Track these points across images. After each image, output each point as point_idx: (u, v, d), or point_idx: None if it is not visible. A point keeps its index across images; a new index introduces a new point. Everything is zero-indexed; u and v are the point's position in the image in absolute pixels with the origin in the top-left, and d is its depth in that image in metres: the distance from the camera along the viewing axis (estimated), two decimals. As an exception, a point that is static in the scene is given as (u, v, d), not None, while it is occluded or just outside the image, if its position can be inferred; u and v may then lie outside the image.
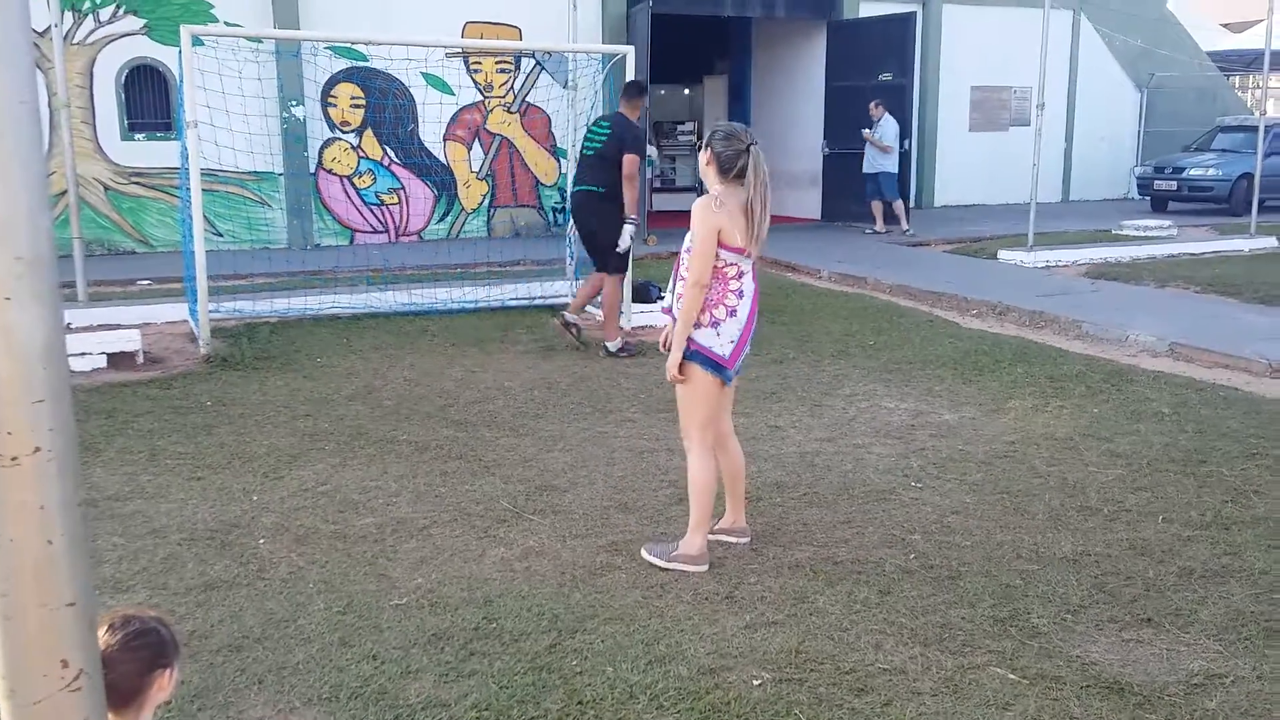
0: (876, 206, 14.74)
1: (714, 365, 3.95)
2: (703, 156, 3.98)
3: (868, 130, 14.48)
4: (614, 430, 5.83)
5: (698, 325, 3.93)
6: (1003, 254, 12.45)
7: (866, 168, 14.64)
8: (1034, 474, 5.06)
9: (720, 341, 3.95)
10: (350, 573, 3.98)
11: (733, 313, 3.95)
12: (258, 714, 3.03)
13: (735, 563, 4.08)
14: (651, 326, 8.69)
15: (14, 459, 1.29)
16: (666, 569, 3.98)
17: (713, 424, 4.06)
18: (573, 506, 4.67)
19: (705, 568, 3.99)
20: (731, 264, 3.93)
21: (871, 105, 14.55)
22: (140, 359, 7.37)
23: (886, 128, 14.42)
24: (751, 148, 3.88)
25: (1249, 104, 24.28)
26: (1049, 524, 4.45)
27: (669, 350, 4.03)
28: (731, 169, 3.88)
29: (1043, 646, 3.42)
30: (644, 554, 4.08)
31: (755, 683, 3.19)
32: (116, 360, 7.24)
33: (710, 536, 4.12)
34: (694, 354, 3.94)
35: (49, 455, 1.39)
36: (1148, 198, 18.53)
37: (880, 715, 3.02)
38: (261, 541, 4.26)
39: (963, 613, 3.65)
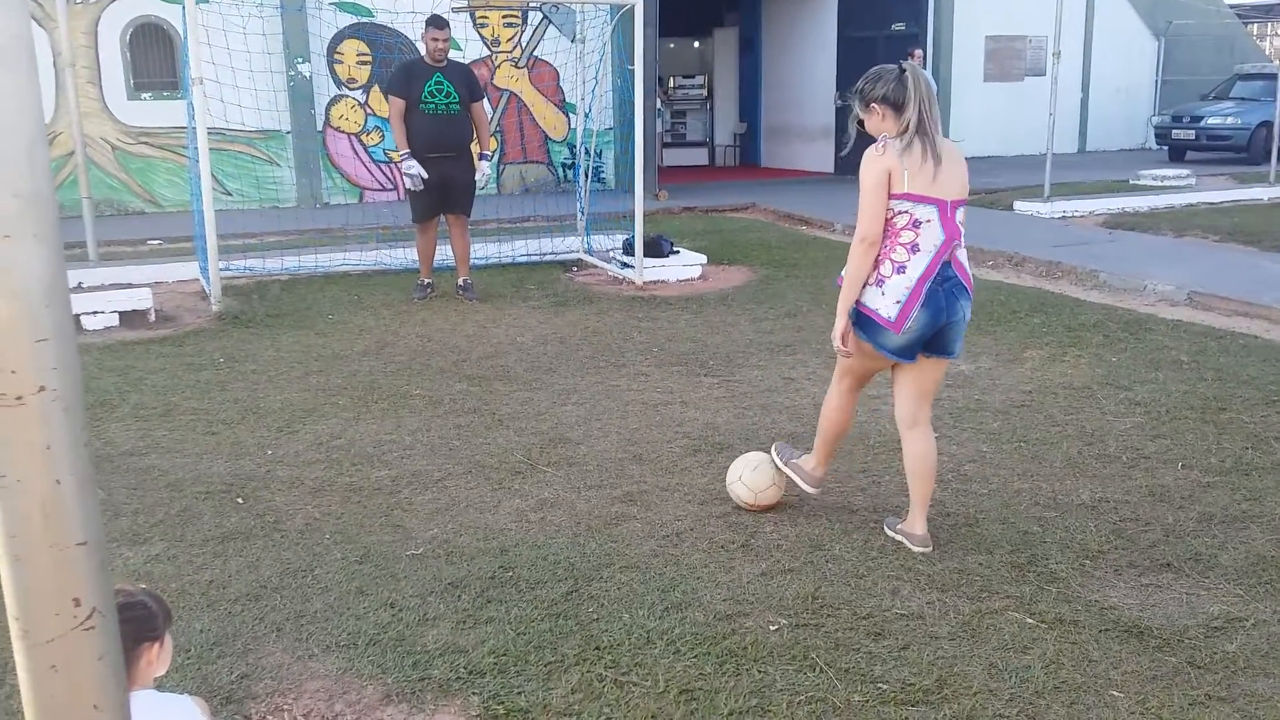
0: None
1: (874, 327, 3.50)
2: (872, 120, 3.49)
3: None
4: (627, 384, 5.81)
5: (864, 284, 3.51)
6: (1019, 205, 12.32)
7: None
8: (1051, 423, 5.03)
9: (885, 302, 3.47)
10: (366, 524, 3.98)
11: (900, 269, 3.44)
12: (276, 660, 3.04)
13: (750, 513, 4.06)
14: (663, 281, 8.65)
15: (18, 398, 1.27)
16: (781, 468, 3.98)
17: (853, 376, 3.75)
18: (587, 458, 4.66)
19: (816, 491, 3.99)
20: (903, 212, 3.43)
21: (914, 53, 14.01)
22: (152, 317, 7.37)
23: (925, 76, 13.94)
24: (904, 65, 3.46)
25: (1267, 52, 23.88)
26: (1067, 471, 4.42)
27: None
28: (903, 100, 3.40)
29: (1061, 591, 3.40)
30: (772, 454, 4.02)
31: (773, 628, 3.18)
32: (129, 318, 7.25)
33: (892, 532, 3.79)
34: (857, 314, 3.52)
35: (54, 394, 1.36)
36: (1165, 147, 18.30)
37: (897, 659, 3.01)
38: (277, 494, 4.27)
39: (980, 559, 3.64)
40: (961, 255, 3.52)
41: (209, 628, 3.21)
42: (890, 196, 3.41)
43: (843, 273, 3.60)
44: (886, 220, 3.44)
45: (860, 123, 3.55)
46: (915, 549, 3.67)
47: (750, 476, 4.02)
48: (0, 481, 1.26)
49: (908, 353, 3.54)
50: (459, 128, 7.62)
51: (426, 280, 8.03)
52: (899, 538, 3.74)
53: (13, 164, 1.33)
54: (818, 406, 5.31)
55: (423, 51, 7.58)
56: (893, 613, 3.28)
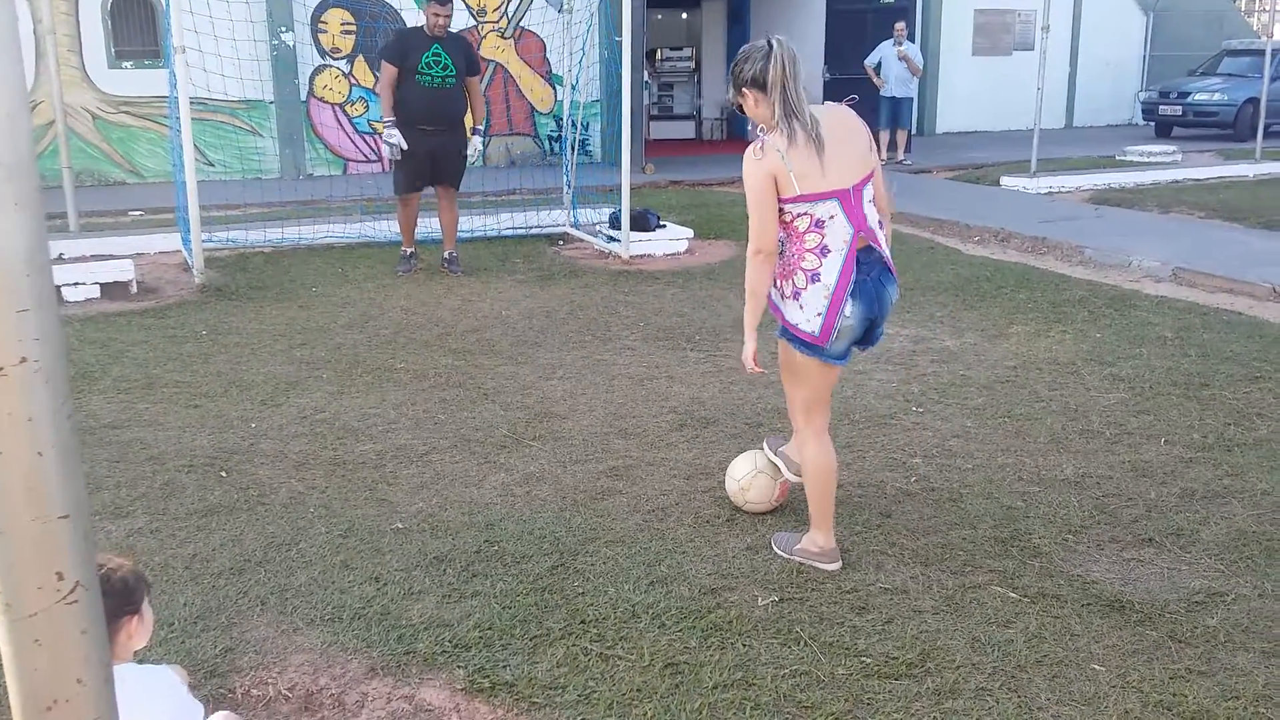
0: (884, 135, 14.20)
1: (805, 345, 3.25)
2: (746, 105, 3.19)
3: (901, 47, 13.62)
4: (613, 358, 5.80)
5: (781, 296, 3.27)
6: (1005, 180, 12.32)
7: (894, 91, 13.78)
8: (1035, 398, 5.05)
9: (805, 315, 3.21)
10: (350, 498, 3.97)
11: (814, 277, 3.15)
12: (261, 634, 3.04)
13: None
14: (650, 256, 8.63)
15: (-1, 369, 1.25)
16: (788, 559, 3.46)
17: (819, 406, 3.41)
18: (572, 433, 4.66)
19: (837, 565, 3.40)
20: (802, 214, 3.13)
21: (898, 25, 13.81)
22: (134, 289, 7.31)
23: (912, 49, 13.81)
24: (772, 41, 3.11)
25: (1256, 27, 23.89)
26: (1050, 447, 4.45)
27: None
28: (766, 81, 3.09)
29: (1043, 566, 3.43)
30: (772, 544, 3.56)
31: (761, 602, 3.20)
32: (110, 290, 7.19)
33: (773, 456, 3.70)
34: (784, 331, 3.29)
35: (36, 365, 1.34)
36: (1152, 123, 18.32)
37: (881, 633, 3.03)
38: (261, 467, 4.25)
39: (964, 533, 3.66)
40: (879, 236, 3.24)
41: (192, 601, 3.20)
42: (782, 201, 3.13)
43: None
44: (785, 225, 3.18)
45: (739, 107, 3.25)
46: (826, 568, 3.38)
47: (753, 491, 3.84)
48: (-20, 454, 1.23)
49: (845, 354, 3.34)
50: (454, 101, 7.53)
51: (409, 250, 7.93)
52: (796, 558, 3.45)
53: (-9, 132, 1.30)
54: (803, 381, 5.33)
55: (422, 22, 7.46)
56: (876, 587, 3.30)
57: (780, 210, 3.16)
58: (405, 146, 7.41)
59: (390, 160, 7.65)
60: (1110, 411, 4.85)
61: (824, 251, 3.15)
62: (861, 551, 3.53)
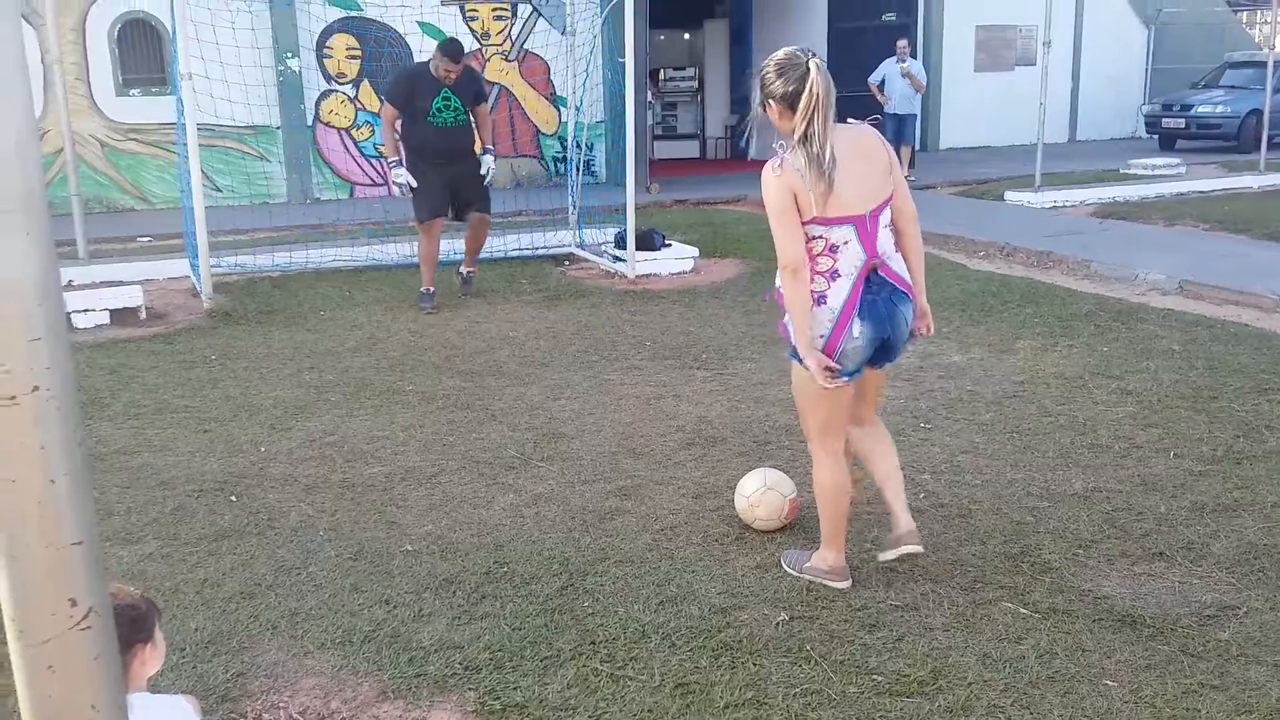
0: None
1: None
2: (770, 114, 3.15)
3: (905, 64, 13.62)
4: (620, 378, 5.81)
5: (789, 314, 3.21)
6: (1009, 195, 12.33)
7: (898, 108, 13.73)
8: (1044, 413, 5.04)
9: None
10: (360, 521, 3.98)
11: (820, 299, 3.14)
12: (271, 658, 3.04)
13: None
14: (655, 275, 8.65)
15: (12, 398, 1.26)
16: (797, 577, 3.46)
17: (833, 428, 3.34)
18: (580, 453, 4.66)
19: (847, 583, 3.40)
20: (817, 237, 3.11)
21: (900, 43, 13.82)
22: (143, 315, 7.35)
23: (915, 66, 13.84)
24: (810, 64, 3.03)
25: (1257, 39, 23.93)
26: (1059, 461, 4.44)
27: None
28: (797, 104, 3.04)
29: (1054, 581, 3.42)
30: (781, 561, 3.57)
31: (775, 622, 3.19)
32: (119, 316, 7.22)
33: (891, 555, 3.44)
34: (793, 353, 3.25)
35: (48, 394, 1.36)
36: (1155, 136, 18.31)
37: (892, 650, 3.03)
38: (271, 492, 4.26)
39: (973, 549, 3.65)
40: (893, 263, 3.21)
41: (203, 626, 3.21)
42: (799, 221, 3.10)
43: (777, 284, 3.27)
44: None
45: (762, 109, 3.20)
46: (913, 549, 3.38)
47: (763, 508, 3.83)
48: (-5, 483, 1.25)
49: (857, 370, 3.26)
50: (466, 136, 7.50)
51: (430, 288, 7.57)
52: (893, 554, 3.43)
53: (3, 163, 1.32)
54: (811, 399, 5.32)
55: (426, 57, 7.33)
56: (887, 604, 3.29)
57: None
58: (415, 184, 7.34)
59: (403, 192, 7.52)
60: (1119, 425, 4.84)
61: (834, 275, 3.13)
62: (871, 569, 3.53)
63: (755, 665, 2.96)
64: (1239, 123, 17.02)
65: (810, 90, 2.99)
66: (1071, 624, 3.16)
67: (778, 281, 3.26)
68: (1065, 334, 6.45)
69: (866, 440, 3.48)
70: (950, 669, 2.92)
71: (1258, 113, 15.57)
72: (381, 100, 7.47)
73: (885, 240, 3.19)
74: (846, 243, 3.10)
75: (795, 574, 3.47)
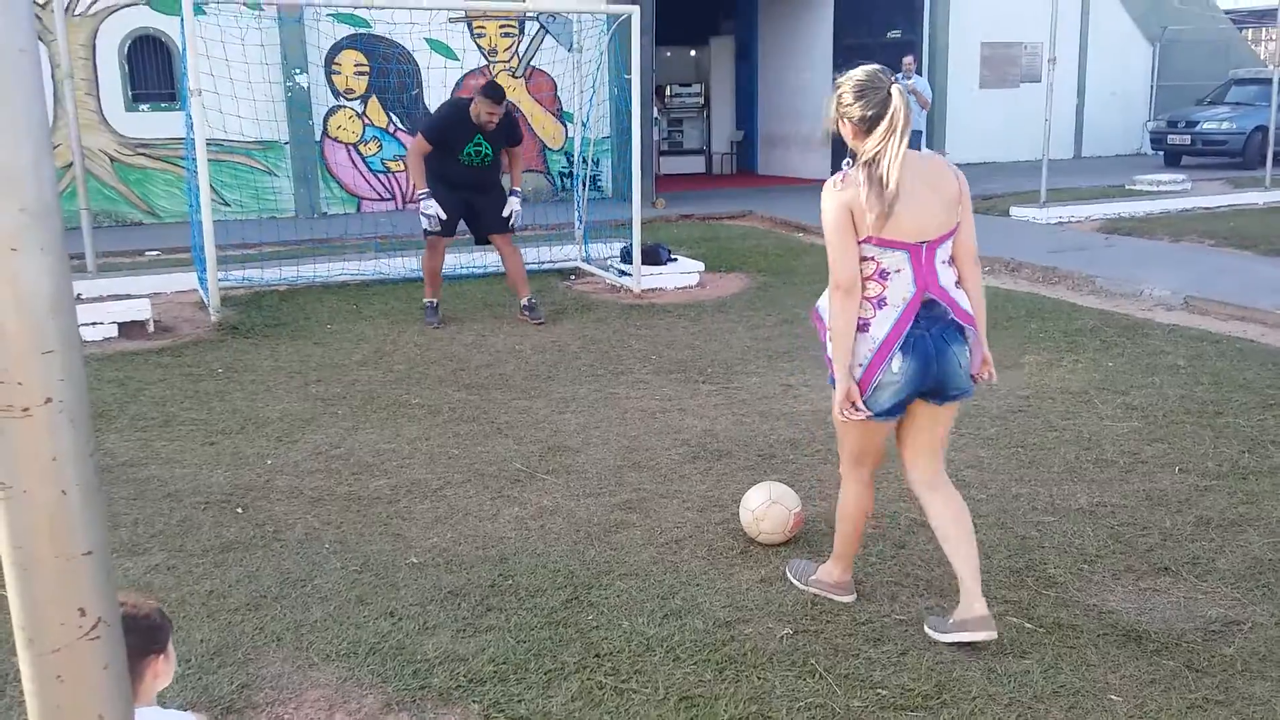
0: None
1: None
2: (843, 128, 3.02)
3: (910, 81, 13.83)
4: (625, 391, 5.82)
5: (830, 335, 3.08)
6: (1015, 211, 12.35)
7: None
8: (1049, 428, 5.04)
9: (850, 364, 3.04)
10: (365, 533, 3.99)
11: (864, 326, 2.99)
12: (277, 670, 3.05)
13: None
14: (661, 289, 8.67)
15: (25, 410, 1.28)
16: (803, 589, 3.45)
17: (867, 460, 3.25)
18: (585, 466, 4.67)
19: (851, 597, 3.38)
20: (868, 259, 2.96)
21: (906, 60, 13.97)
22: (151, 328, 7.38)
23: (921, 83, 13.88)
24: (893, 90, 2.92)
25: (1262, 56, 23.95)
26: (1064, 476, 4.44)
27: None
28: (873, 129, 2.93)
29: (1059, 596, 3.42)
30: (786, 571, 3.56)
31: (779, 635, 3.19)
32: (127, 329, 7.26)
33: (949, 636, 3.11)
34: (832, 380, 3.11)
35: (60, 406, 1.38)
36: (1161, 152, 18.34)
37: (896, 665, 3.03)
38: (277, 504, 4.28)
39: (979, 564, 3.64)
40: (950, 293, 3.02)
41: (209, 638, 3.22)
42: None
43: (817, 306, 3.21)
44: None
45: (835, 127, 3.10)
46: (981, 636, 3.05)
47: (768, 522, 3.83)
48: (7, 492, 1.27)
49: (896, 409, 3.08)
50: (492, 172, 7.44)
51: (434, 300, 7.61)
52: (957, 638, 3.09)
53: (19, 178, 1.34)
54: (816, 413, 5.34)
55: (471, 111, 7.08)
56: (891, 618, 3.30)
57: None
58: (444, 216, 7.29)
59: (430, 223, 7.36)
60: (1124, 440, 4.84)
61: (880, 303, 2.98)
62: (876, 583, 3.53)
63: (759, 679, 2.96)
64: (1244, 139, 17.05)
65: (891, 118, 2.88)
66: (1076, 639, 3.15)
67: (819, 303, 3.17)
68: (1070, 349, 6.46)
69: (935, 505, 3.19)
70: (955, 683, 2.92)
71: (1263, 129, 15.60)
72: (416, 133, 7.31)
73: (945, 276, 3.00)
74: (899, 271, 2.96)
75: (800, 585, 3.46)
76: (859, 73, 2.98)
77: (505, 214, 7.50)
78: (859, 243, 2.94)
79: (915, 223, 2.92)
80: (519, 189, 7.61)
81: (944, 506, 3.18)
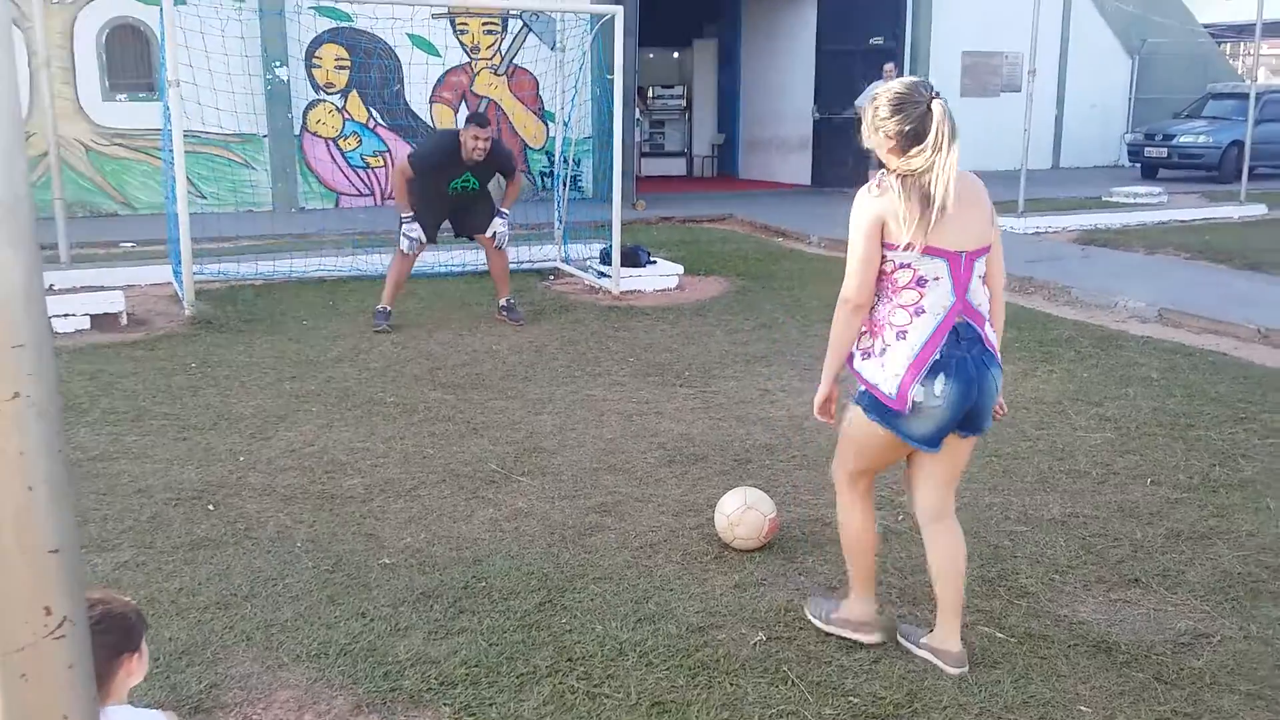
0: (874, 174, 14.17)
1: (880, 410, 2.91)
2: (875, 140, 2.84)
3: None
4: (603, 393, 5.81)
5: (865, 354, 2.93)
6: (992, 220, 12.41)
7: None
8: (1023, 437, 5.07)
9: (885, 375, 2.87)
10: (338, 532, 3.96)
11: (901, 334, 2.84)
12: (246, 670, 3.02)
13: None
14: (640, 291, 8.66)
15: (-7, 404, 1.25)
16: (826, 631, 3.24)
17: (869, 476, 3.13)
18: (561, 468, 4.66)
19: (876, 638, 3.16)
20: (904, 266, 2.82)
21: (887, 67, 14.04)
22: (124, 320, 7.30)
23: None
24: (934, 103, 2.76)
25: (1240, 71, 24.23)
26: (1037, 486, 4.46)
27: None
28: (916, 145, 2.76)
29: (1031, 606, 3.43)
30: (805, 608, 3.36)
31: (751, 641, 3.19)
32: (100, 321, 7.18)
33: (919, 650, 3.12)
34: (863, 395, 2.97)
35: (29, 400, 1.35)
36: (1138, 164, 18.50)
37: (869, 673, 3.03)
38: (249, 501, 4.24)
39: (951, 573, 3.65)
40: (986, 321, 2.91)
41: (178, 636, 3.18)
42: (886, 247, 2.83)
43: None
44: (884, 275, 2.86)
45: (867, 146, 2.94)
46: (951, 670, 3.01)
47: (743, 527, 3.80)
48: (-27, 489, 1.24)
49: (936, 438, 2.91)
50: (476, 194, 7.38)
51: (388, 307, 7.34)
52: (927, 655, 3.09)
53: (-11, 170, 1.31)
54: (793, 418, 5.35)
55: (462, 145, 6.98)
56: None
57: (881, 258, 2.85)
58: (425, 241, 7.29)
59: (411, 247, 7.29)
60: (1097, 451, 4.87)
61: (919, 311, 2.83)
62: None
63: (732, 685, 2.96)
64: (1220, 153, 17.23)
65: (936, 133, 2.72)
66: (1047, 649, 3.17)
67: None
68: (1045, 359, 6.50)
69: (937, 539, 3.09)
70: (926, 692, 2.93)
71: (1239, 144, 15.76)
72: (406, 159, 7.23)
73: (978, 291, 2.90)
74: (937, 279, 2.82)
75: (822, 625, 3.25)
76: (898, 84, 2.82)
77: (489, 233, 7.46)
78: (895, 248, 2.81)
79: (956, 233, 2.81)
80: (507, 211, 7.54)
81: (945, 542, 3.08)
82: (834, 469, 3.21)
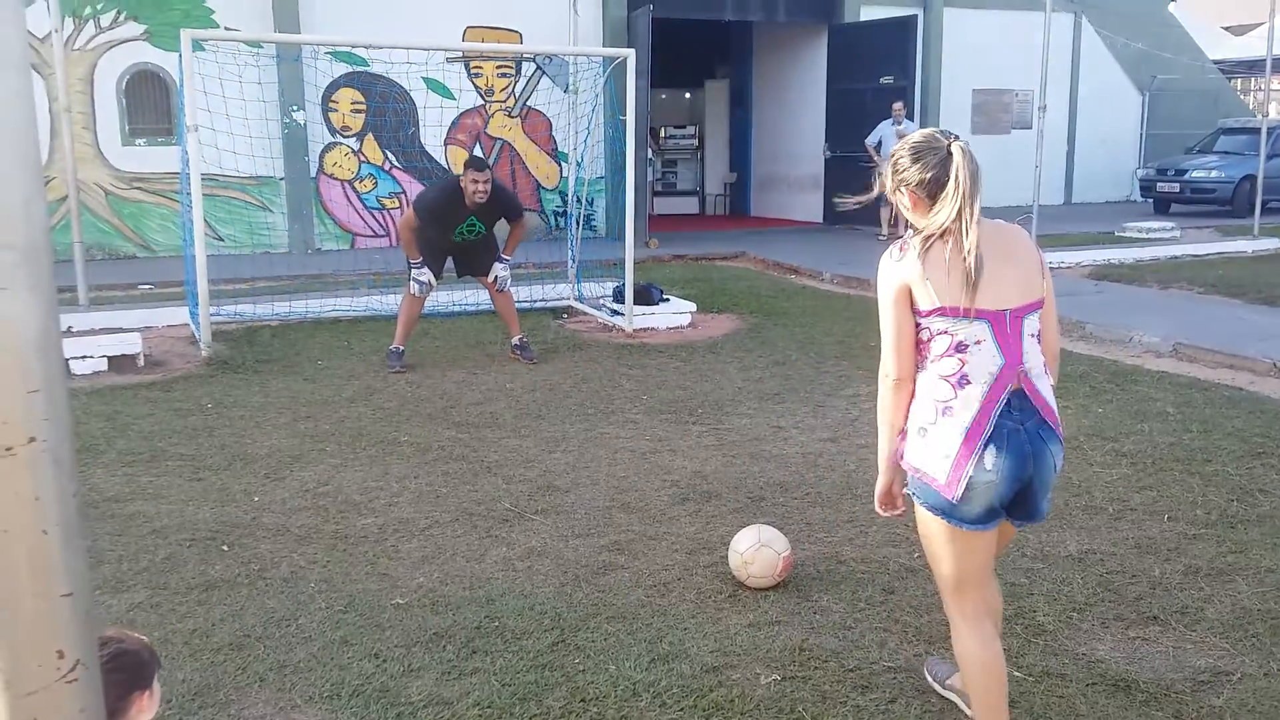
0: (885, 211, 14.26)
1: (930, 497, 2.62)
2: (899, 198, 2.66)
3: (900, 126, 13.79)
4: (616, 431, 5.81)
5: (904, 435, 2.68)
6: (1005, 256, 12.40)
7: None
8: (1038, 473, 5.03)
9: (931, 458, 2.59)
10: (351, 572, 3.96)
11: (946, 410, 2.56)
12: (259, 712, 3.01)
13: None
14: (653, 329, 8.69)
15: (8, 449, 1.27)
16: (940, 693, 3.08)
17: (968, 586, 2.72)
18: (574, 506, 4.65)
19: None
20: (942, 333, 2.57)
21: (896, 105, 14.07)
22: (141, 362, 7.36)
23: (911, 127, 14.06)
24: (954, 148, 2.57)
25: (1251, 106, 24.26)
26: (1054, 523, 4.43)
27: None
28: (938, 192, 2.56)
29: (1048, 644, 3.40)
30: (924, 667, 3.21)
31: (764, 681, 3.17)
32: (117, 363, 7.24)
33: (944, 690, 3.03)
34: (913, 482, 2.68)
35: (44, 445, 1.37)
36: (1150, 200, 18.51)
37: (884, 713, 3.00)
38: (263, 542, 4.25)
39: (967, 611, 3.62)
40: (1041, 384, 2.62)
41: (190, 677, 3.18)
42: (917, 314, 2.59)
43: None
44: (921, 344, 2.61)
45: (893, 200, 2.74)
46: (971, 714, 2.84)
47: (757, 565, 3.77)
48: (-12, 532, 1.25)
49: (988, 518, 2.61)
50: (485, 237, 7.48)
51: (401, 347, 7.40)
52: (954, 698, 2.99)
53: (9, 218, 1.34)
54: (806, 455, 5.34)
55: (465, 191, 7.05)
56: (880, 665, 3.27)
57: (915, 326, 2.61)
58: (434, 285, 7.43)
59: (419, 290, 7.40)
60: (1113, 487, 4.84)
61: (963, 381, 2.55)
62: (865, 629, 3.51)
63: (746, 726, 2.93)
64: (1233, 188, 17.22)
65: (955, 178, 2.52)
66: (1065, 688, 3.14)
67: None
68: (1060, 395, 6.42)
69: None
70: (942, 732, 2.90)
71: (1251, 178, 15.76)
72: (411, 208, 7.33)
73: (1032, 352, 2.60)
74: (979, 343, 2.54)
75: (936, 687, 3.08)
76: (915, 135, 2.66)
77: (490, 277, 7.54)
78: (928, 314, 2.56)
79: (996, 291, 2.54)
80: (509, 258, 7.62)
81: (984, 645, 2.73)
82: (940, 589, 2.83)
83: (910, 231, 2.66)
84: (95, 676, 1.40)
